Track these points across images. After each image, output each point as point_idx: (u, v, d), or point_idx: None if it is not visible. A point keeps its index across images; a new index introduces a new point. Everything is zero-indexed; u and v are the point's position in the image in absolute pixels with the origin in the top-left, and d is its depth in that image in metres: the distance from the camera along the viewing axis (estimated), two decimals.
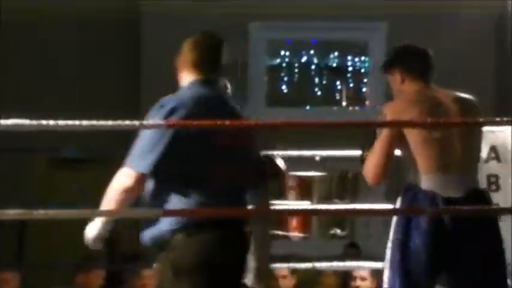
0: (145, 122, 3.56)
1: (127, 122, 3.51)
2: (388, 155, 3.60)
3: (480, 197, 3.49)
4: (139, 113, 7.78)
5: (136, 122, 3.54)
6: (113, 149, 7.68)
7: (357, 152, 4.65)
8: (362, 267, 5.55)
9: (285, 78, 8.48)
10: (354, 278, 6.00)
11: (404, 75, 3.68)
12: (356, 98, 8.54)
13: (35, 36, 8.30)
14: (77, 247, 6.59)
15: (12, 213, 3.34)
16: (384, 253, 7.93)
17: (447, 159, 3.51)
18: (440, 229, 3.41)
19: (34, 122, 3.39)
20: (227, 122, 3.49)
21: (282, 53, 8.48)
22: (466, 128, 3.55)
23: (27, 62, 8.33)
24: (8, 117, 3.38)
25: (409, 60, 3.70)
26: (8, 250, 7.72)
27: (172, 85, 8.89)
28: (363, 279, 5.98)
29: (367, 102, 8.47)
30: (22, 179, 8.07)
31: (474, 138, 3.57)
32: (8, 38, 8.18)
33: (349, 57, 8.51)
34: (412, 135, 3.55)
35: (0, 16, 7.85)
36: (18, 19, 8.14)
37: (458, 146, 3.52)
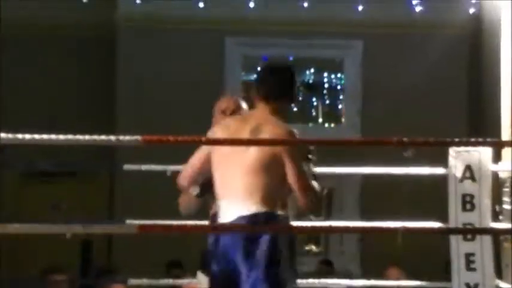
0: (120, 137, 3.55)
1: (102, 137, 3.51)
2: (195, 167, 3.71)
3: (259, 221, 3.54)
4: (114, 128, 7.80)
5: (111, 137, 3.54)
6: (88, 163, 7.69)
7: (333, 170, 4.67)
8: (338, 284, 5.54)
9: None
10: None
11: (253, 94, 3.78)
12: (332, 114, 8.56)
13: (11, 51, 8.24)
14: (44, 261, 6.56)
15: None
16: (355, 270, 7.89)
17: (227, 186, 3.61)
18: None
19: (9, 136, 3.37)
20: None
21: (258, 68, 8.48)
22: (263, 157, 3.58)
23: (2, 75, 8.27)
24: None
25: (257, 80, 3.81)
26: None
27: (148, 100, 8.89)
28: None
29: (342, 119, 8.50)
30: None
31: (268, 167, 3.58)
32: None
33: (325, 74, 8.53)
34: (213, 158, 3.68)
35: None
36: None
37: (243, 173, 3.58)
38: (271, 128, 3.65)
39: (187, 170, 3.75)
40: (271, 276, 3.54)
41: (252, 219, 3.55)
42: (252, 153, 3.60)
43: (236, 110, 4.19)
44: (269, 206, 3.59)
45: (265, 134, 3.64)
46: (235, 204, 3.59)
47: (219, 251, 3.58)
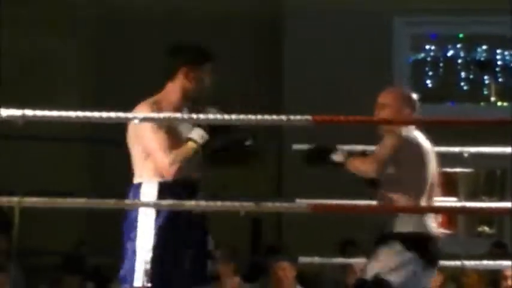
0: (291, 117, 3.57)
1: (273, 117, 3.54)
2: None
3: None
4: (278, 109, 7.86)
5: (282, 117, 3.56)
6: (255, 143, 7.77)
7: (506, 149, 4.53)
8: None
9: (430, 73, 8.33)
10: (505, 278, 5.81)
11: None
12: (505, 93, 8.28)
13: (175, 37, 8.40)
14: (218, 237, 6.69)
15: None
16: None
17: None
18: None
19: (178, 116, 3.46)
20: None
21: (427, 47, 8.33)
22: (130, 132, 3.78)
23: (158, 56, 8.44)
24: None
25: None
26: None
27: (314, 80, 8.91)
28: None
29: None
30: None
31: (133, 142, 3.77)
32: (152, 37, 8.36)
33: (498, 51, 8.27)
34: None
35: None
36: (162, 18, 8.31)
37: None
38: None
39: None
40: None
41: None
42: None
43: (390, 106, 4.02)
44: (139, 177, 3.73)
45: None
46: None
47: None
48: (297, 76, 8.18)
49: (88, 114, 3.49)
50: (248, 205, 3.51)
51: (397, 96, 4.08)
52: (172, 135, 3.69)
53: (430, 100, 8.26)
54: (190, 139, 3.68)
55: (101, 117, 3.54)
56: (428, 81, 8.34)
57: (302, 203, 4.10)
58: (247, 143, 3.88)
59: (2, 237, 6.08)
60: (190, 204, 3.47)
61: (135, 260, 3.66)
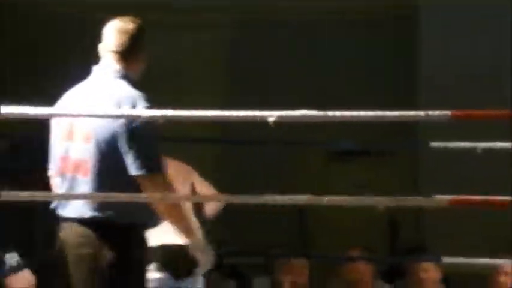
0: (429, 112, 3.47)
1: (411, 113, 3.45)
2: None
3: None
4: (415, 105, 7.71)
5: (420, 113, 3.47)
6: (388, 142, 7.66)
7: None
8: None
9: None
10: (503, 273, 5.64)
11: None
12: None
13: (303, 34, 8.40)
14: (356, 239, 6.63)
15: (299, 199, 3.39)
16: None
17: None
18: None
19: (314, 113, 3.40)
20: None
21: None
22: None
23: (293, 57, 8.43)
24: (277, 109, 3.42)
25: None
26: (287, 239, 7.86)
27: (449, 76, 8.68)
28: None
29: None
30: (299, 171, 8.23)
31: None
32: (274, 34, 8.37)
33: None
34: None
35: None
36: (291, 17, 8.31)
37: None
38: None
39: None
40: None
41: None
42: None
43: None
44: None
45: None
46: None
47: None
48: (432, 71, 8.04)
49: (220, 113, 3.48)
50: (384, 200, 3.44)
51: None
52: None
53: None
54: None
55: (236, 117, 3.52)
56: None
57: (441, 197, 3.98)
58: None
59: None
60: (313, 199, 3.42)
61: None
